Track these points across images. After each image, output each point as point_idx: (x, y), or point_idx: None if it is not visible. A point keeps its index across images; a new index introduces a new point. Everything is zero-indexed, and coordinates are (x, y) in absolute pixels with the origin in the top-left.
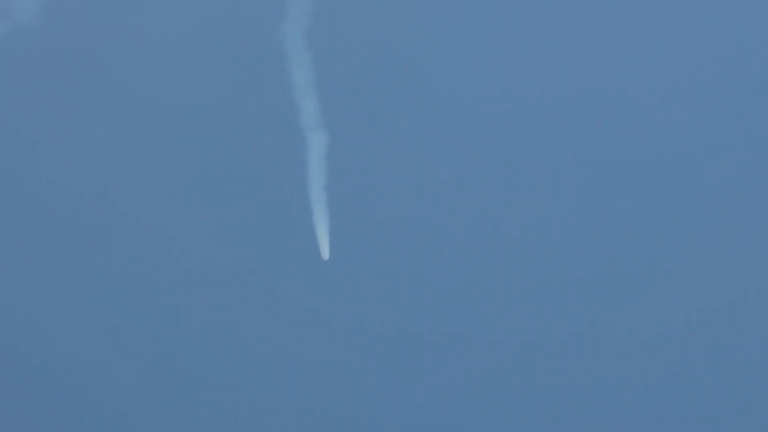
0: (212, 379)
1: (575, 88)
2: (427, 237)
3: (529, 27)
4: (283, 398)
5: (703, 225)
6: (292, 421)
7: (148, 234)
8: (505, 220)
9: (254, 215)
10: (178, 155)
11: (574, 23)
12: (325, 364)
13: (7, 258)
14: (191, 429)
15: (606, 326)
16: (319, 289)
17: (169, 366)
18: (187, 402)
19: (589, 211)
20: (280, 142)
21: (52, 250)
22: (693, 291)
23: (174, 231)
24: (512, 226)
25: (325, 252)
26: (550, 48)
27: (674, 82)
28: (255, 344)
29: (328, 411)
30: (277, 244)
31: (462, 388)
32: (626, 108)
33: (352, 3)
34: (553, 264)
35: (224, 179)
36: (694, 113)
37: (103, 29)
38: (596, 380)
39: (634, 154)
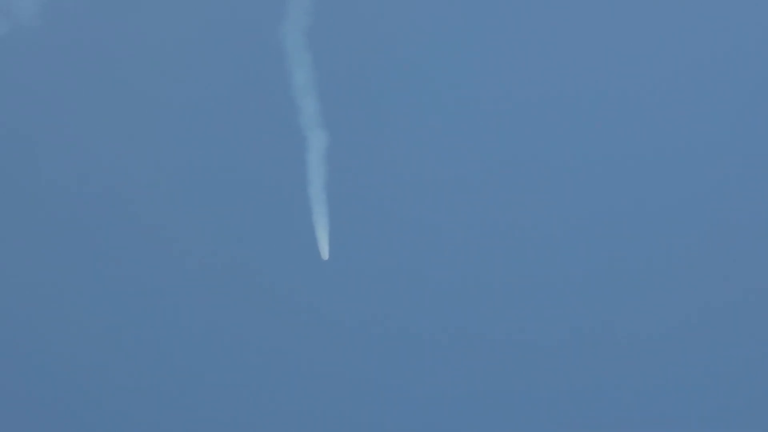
0: (212, 379)
1: (575, 88)
2: (427, 237)
3: (530, 27)
4: (283, 398)
5: (703, 225)
6: (292, 421)
7: (148, 234)
8: (505, 220)
9: (254, 215)
10: (178, 155)
11: (575, 23)
12: (325, 364)
13: (8, 258)
14: (191, 429)
15: (606, 326)
16: (319, 289)
17: (169, 366)
18: (187, 402)
19: (589, 211)
20: (279, 142)
21: (52, 250)
22: (693, 291)
23: (174, 231)
24: (512, 226)
25: (325, 252)
26: (550, 48)
27: (674, 82)
28: (255, 344)
29: (328, 411)
30: (277, 244)
31: (462, 388)
32: (626, 108)
33: (352, 3)
34: (553, 264)
35: (224, 179)
36: (694, 113)
37: (103, 29)
38: (596, 380)
39: (634, 154)
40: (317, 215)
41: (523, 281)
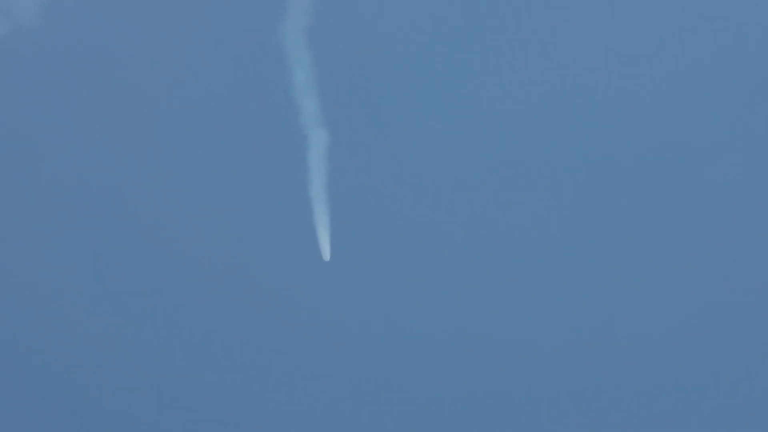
0: (212, 379)
1: (575, 89)
2: (427, 237)
3: (530, 26)
4: (283, 398)
5: (703, 225)
6: (292, 421)
7: (148, 233)
8: (505, 219)
9: (255, 215)
10: (178, 155)
11: (575, 23)
12: (325, 364)
13: (8, 258)
14: (191, 429)
15: (606, 326)
16: (319, 289)
17: (170, 366)
18: (187, 402)
19: (589, 211)
20: (280, 141)
21: (52, 250)
22: (693, 291)
23: (174, 230)
24: (512, 226)
25: (326, 254)
26: (550, 47)
27: (674, 82)
28: (256, 344)
29: (329, 411)
30: (278, 244)
31: (462, 388)
32: (627, 109)
33: (352, 2)
34: (553, 264)
35: (225, 178)
36: (694, 113)
37: (103, 29)
38: (596, 380)
39: (634, 155)
40: (318, 215)
41: (523, 281)
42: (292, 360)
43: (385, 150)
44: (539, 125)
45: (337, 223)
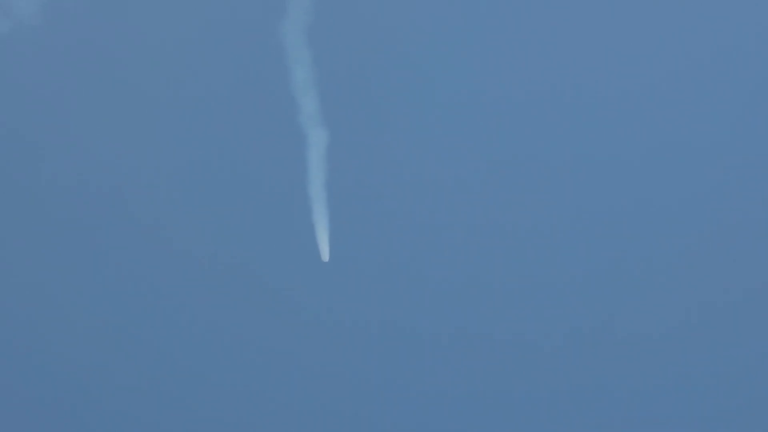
0: (212, 379)
1: (575, 88)
2: (427, 237)
3: (530, 26)
4: (283, 398)
5: (703, 225)
6: (292, 421)
7: (148, 233)
8: (505, 219)
9: (254, 214)
10: (178, 154)
11: (575, 23)
12: (325, 364)
13: (8, 258)
14: (191, 429)
15: (606, 326)
16: (319, 289)
17: (169, 366)
18: (187, 402)
19: (589, 210)
20: (280, 140)
21: (53, 250)
22: (693, 291)
23: (174, 230)
24: (512, 226)
25: (325, 254)
26: (550, 47)
27: (674, 81)
28: (255, 345)
29: (328, 411)
30: (277, 244)
31: (462, 387)
32: (627, 108)
33: (352, 2)
34: (553, 264)
35: (224, 178)
36: (693, 113)
37: (103, 28)
38: (596, 380)
39: (635, 155)
40: (317, 214)
41: (523, 281)
42: (291, 360)
43: (384, 149)
44: (539, 125)
45: (336, 223)
